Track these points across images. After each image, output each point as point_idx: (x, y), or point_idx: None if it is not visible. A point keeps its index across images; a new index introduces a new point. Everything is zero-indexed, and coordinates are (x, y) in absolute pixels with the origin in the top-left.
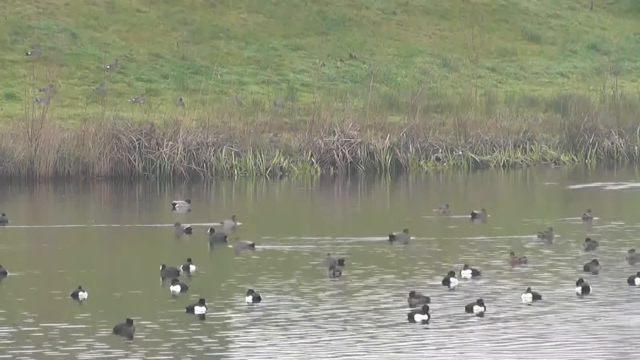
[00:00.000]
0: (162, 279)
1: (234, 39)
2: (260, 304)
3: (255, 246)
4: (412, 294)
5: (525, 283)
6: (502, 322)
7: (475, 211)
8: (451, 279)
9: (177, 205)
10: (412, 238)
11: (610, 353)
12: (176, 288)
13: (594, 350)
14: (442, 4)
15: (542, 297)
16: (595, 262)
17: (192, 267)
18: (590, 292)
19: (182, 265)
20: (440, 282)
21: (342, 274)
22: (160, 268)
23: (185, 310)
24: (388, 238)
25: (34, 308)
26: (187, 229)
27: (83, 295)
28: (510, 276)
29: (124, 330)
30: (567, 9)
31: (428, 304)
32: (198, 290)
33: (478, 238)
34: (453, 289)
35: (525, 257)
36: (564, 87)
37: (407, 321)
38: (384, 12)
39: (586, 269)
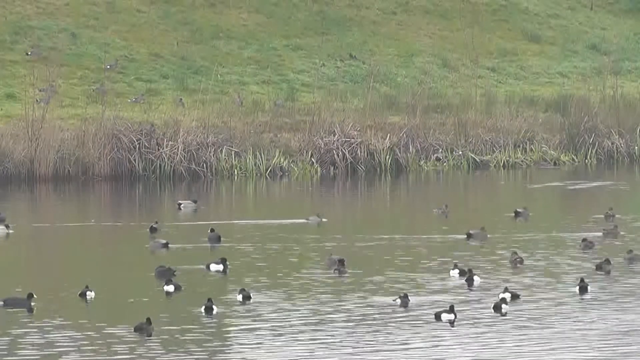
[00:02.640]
0: (157, 278)
1: (234, 39)
2: (251, 302)
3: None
4: (405, 295)
5: (526, 282)
6: (518, 321)
7: (518, 209)
8: (474, 277)
9: (182, 205)
10: (488, 236)
11: (614, 353)
12: (170, 288)
13: (598, 350)
14: (442, 4)
15: (520, 297)
16: (608, 261)
17: (214, 266)
18: (588, 291)
19: (206, 264)
20: (464, 281)
21: (350, 271)
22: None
23: (204, 309)
24: (465, 236)
25: (40, 309)
26: (150, 227)
27: (91, 294)
28: (511, 275)
29: (145, 329)
30: (567, 9)
31: (453, 304)
32: (195, 289)
33: (535, 235)
34: (475, 288)
35: (521, 257)
36: (564, 87)
37: (434, 320)
38: (384, 12)
39: (598, 268)
